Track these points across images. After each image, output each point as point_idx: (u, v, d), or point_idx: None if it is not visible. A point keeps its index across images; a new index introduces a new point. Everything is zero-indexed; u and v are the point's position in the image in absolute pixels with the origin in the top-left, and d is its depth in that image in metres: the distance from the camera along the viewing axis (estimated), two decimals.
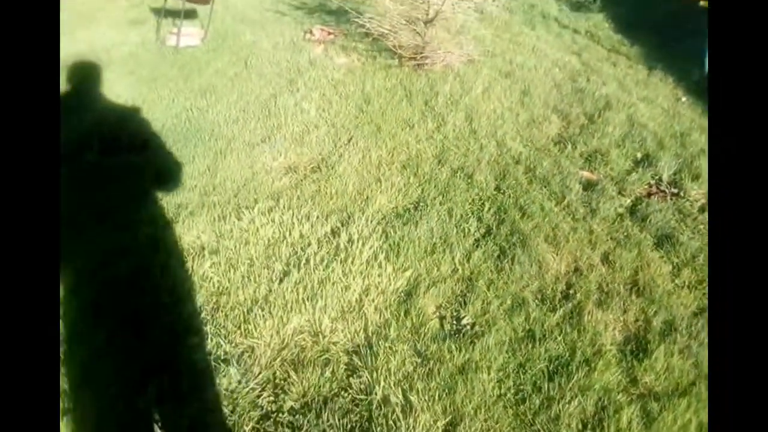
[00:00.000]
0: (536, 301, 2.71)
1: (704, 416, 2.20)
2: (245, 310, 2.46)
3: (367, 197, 3.33)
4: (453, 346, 2.41)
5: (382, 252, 2.89)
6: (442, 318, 2.59)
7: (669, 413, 2.19)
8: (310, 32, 6.02)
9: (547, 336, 2.51)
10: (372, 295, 2.63)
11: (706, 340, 2.53)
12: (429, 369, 2.31)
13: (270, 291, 2.56)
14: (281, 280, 2.63)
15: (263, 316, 2.42)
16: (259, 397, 2.13)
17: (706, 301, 2.80)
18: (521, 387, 2.28)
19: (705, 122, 4.59)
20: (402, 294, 2.67)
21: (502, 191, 3.52)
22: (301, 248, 2.85)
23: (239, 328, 2.38)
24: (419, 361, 2.35)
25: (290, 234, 2.91)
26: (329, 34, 6.03)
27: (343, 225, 3.05)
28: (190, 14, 6.26)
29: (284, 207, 3.13)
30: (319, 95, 4.53)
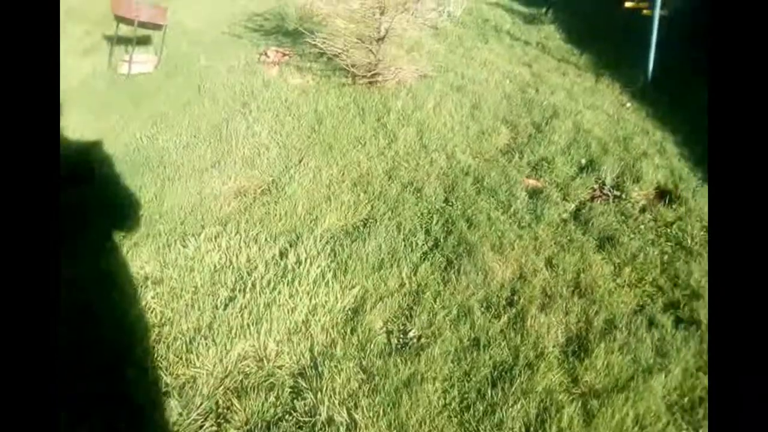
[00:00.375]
0: (482, 309, 2.77)
1: (641, 408, 2.27)
2: (188, 340, 2.46)
3: (317, 217, 3.37)
4: (399, 360, 2.45)
5: (329, 271, 2.92)
6: (389, 333, 2.63)
7: (608, 409, 2.25)
8: (265, 54, 6.08)
9: (491, 342, 2.57)
10: (319, 314, 2.66)
11: (645, 336, 2.62)
12: (374, 385, 2.34)
13: (214, 318, 2.57)
14: (226, 306, 2.64)
15: (206, 344, 2.42)
16: (201, 428, 2.13)
17: (645, 299, 2.90)
18: (466, 395, 2.33)
19: (648, 126, 4.75)
20: (349, 312, 2.71)
21: (450, 203, 3.60)
22: (248, 272, 2.87)
23: (181, 358, 2.38)
24: (365, 377, 2.38)
25: (237, 258, 2.93)
26: (284, 55, 6.10)
27: (291, 246, 3.08)
28: (143, 41, 6.27)
29: (232, 231, 3.14)
30: (272, 117, 4.57)
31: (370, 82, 5.30)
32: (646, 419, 2.24)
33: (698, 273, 3.03)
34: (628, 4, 6.68)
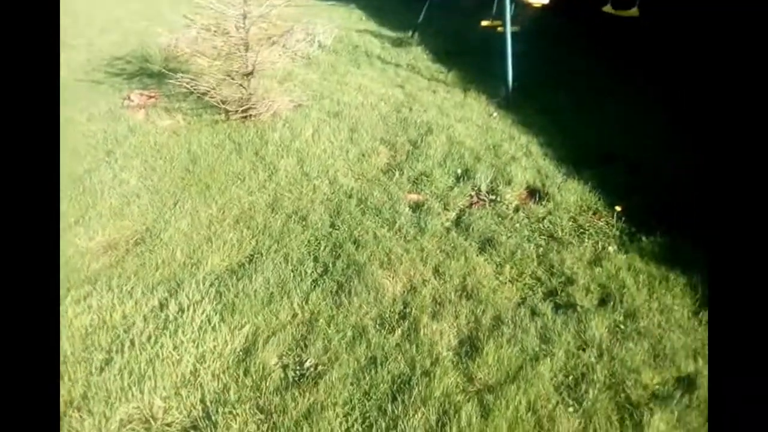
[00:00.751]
0: (376, 326, 2.79)
1: (532, 394, 2.39)
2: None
3: (198, 260, 3.22)
4: (296, 393, 2.38)
5: (216, 314, 2.80)
6: (284, 367, 2.56)
7: (502, 401, 2.35)
8: (129, 98, 5.78)
9: (388, 358, 2.59)
10: (208, 361, 2.52)
11: (530, 326, 2.77)
12: (273, 423, 2.26)
13: (89, 386, 2.35)
14: (102, 370, 2.43)
15: (80, 417, 2.20)
16: None
17: (526, 291, 3.09)
18: (367, 414, 2.31)
19: (514, 132, 5.12)
20: (240, 353, 2.60)
21: (336, 227, 3.61)
22: (124, 330, 2.66)
23: None
24: (262, 417, 2.29)
25: (111, 317, 2.72)
26: (150, 97, 5.84)
27: (171, 295, 2.91)
28: None
29: (103, 289, 2.91)
30: (140, 162, 4.34)
31: (244, 117, 5.22)
32: (538, 404, 2.36)
33: (570, 260, 3.28)
34: (484, 23, 7.22)
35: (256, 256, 3.29)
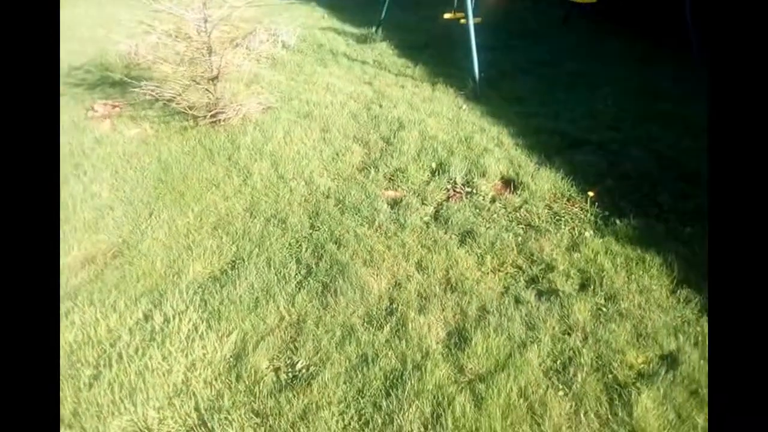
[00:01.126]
0: (364, 324, 2.81)
1: (522, 381, 2.45)
2: None
3: (179, 269, 3.18)
4: (291, 395, 2.39)
5: (202, 322, 2.77)
6: (276, 370, 2.56)
7: (494, 389, 2.40)
8: (93, 108, 5.64)
9: (379, 354, 2.61)
10: (198, 369, 2.50)
11: (515, 314, 2.83)
12: (270, 426, 2.26)
13: (78, 402, 2.31)
14: (91, 386, 2.38)
15: None
16: None
17: (509, 280, 3.15)
18: (363, 411, 2.34)
19: (484, 123, 5.19)
20: (231, 359, 2.59)
21: (316, 228, 3.61)
22: (110, 344, 2.62)
23: None
24: (258, 421, 2.29)
25: (95, 332, 2.67)
26: (114, 107, 5.71)
27: (155, 306, 2.87)
28: None
29: (85, 304, 2.85)
30: (110, 174, 4.24)
31: (213, 122, 5.16)
32: (529, 390, 2.42)
33: (548, 248, 3.36)
34: (446, 16, 7.29)
35: (237, 261, 3.27)
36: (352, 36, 8.57)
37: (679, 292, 2.94)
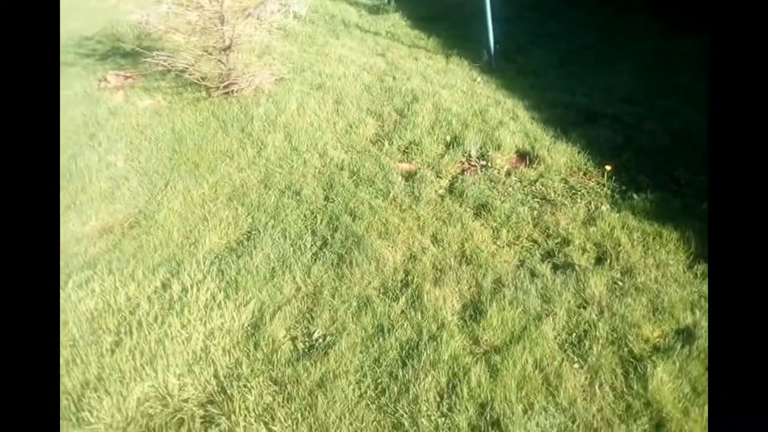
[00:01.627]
0: (379, 295, 2.83)
1: (537, 353, 2.47)
2: (75, 398, 2.23)
3: (196, 239, 3.21)
4: (308, 364, 2.42)
5: (220, 291, 2.81)
6: (293, 339, 2.59)
7: (510, 361, 2.42)
8: (105, 79, 5.62)
9: (394, 325, 2.64)
10: (217, 338, 2.54)
11: (530, 287, 2.83)
12: (288, 393, 2.30)
13: (102, 368, 2.36)
14: (113, 352, 2.43)
15: (98, 397, 2.22)
16: None
17: (524, 253, 3.15)
18: (379, 381, 2.37)
19: (499, 96, 5.12)
20: (248, 328, 2.62)
21: (331, 200, 3.61)
22: (130, 312, 2.66)
23: (71, 420, 2.16)
24: (277, 388, 2.33)
25: (115, 300, 2.71)
26: (127, 77, 5.68)
27: (173, 275, 2.90)
28: None
29: (104, 273, 2.89)
30: (125, 144, 4.25)
31: (226, 93, 5.13)
32: (544, 362, 2.44)
33: (564, 221, 3.34)
34: None
35: (253, 232, 3.29)
36: (364, 6, 8.42)
37: (696, 267, 2.92)
